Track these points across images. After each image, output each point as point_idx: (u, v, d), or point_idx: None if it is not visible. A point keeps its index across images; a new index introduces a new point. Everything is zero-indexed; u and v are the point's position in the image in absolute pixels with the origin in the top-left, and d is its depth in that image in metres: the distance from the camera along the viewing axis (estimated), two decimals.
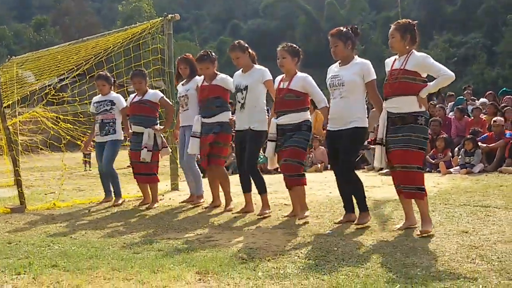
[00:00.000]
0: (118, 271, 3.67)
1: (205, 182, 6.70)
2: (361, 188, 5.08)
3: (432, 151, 9.55)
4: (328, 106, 5.32)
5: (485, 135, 9.53)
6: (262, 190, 5.80)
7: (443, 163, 9.03)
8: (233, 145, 6.67)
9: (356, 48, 5.09)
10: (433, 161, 9.35)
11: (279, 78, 5.53)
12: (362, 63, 4.99)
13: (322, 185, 7.73)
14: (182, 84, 6.74)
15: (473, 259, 3.65)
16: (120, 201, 7.09)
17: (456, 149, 9.47)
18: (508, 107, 10.42)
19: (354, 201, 5.13)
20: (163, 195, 7.66)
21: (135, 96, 6.96)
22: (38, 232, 5.42)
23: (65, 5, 57.12)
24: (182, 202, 6.90)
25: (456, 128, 10.41)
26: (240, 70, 5.91)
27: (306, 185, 5.43)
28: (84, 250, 4.39)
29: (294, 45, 5.47)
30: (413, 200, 4.71)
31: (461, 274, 3.33)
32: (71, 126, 7.91)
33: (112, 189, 7.27)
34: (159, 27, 8.49)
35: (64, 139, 7.81)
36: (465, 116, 10.65)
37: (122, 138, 7.26)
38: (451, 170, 8.88)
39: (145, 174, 6.84)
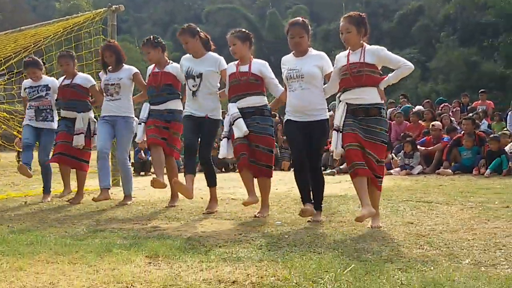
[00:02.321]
0: (61, 256, 3.48)
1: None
2: (324, 185, 4.99)
3: None
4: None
5: (423, 139, 9.86)
6: (213, 182, 5.57)
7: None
8: None
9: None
10: None
11: (233, 63, 5.33)
12: (320, 55, 4.92)
13: None
14: (109, 71, 6.30)
15: (421, 246, 3.70)
16: (49, 198, 6.71)
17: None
18: (445, 114, 10.85)
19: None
20: None
21: (64, 79, 6.63)
22: None
23: (0, 1, 54.79)
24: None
25: (396, 132, 10.73)
26: (189, 55, 5.63)
27: (270, 177, 5.28)
28: (23, 237, 4.14)
29: (244, 30, 5.36)
30: None
31: (411, 258, 3.36)
32: (7, 115, 7.51)
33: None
34: (102, 17, 8.26)
35: (0, 129, 7.41)
36: (405, 121, 11.00)
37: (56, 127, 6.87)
38: (391, 171, 9.12)
39: (75, 158, 6.53)
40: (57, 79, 6.95)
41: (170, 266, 3.19)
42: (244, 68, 5.20)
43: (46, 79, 6.91)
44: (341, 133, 4.52)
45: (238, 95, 5.19)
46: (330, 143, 8.30)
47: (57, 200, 6.71)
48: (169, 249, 3.59)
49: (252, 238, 4.05)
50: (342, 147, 4.52)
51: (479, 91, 14.18)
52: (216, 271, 3.03)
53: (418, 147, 9.39)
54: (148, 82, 6.07)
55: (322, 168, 8.52)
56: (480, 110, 12.13)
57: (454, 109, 13.17)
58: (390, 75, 4.50)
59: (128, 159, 6.39)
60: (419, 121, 10.81)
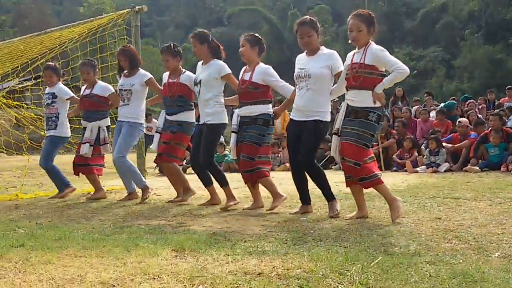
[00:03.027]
0: (89, 250, 3.52)
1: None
2: (324, 177, 5.00)
3: (399, 151, 9.69)
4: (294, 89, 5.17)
5: (450, 136, 9.73)
6: (223, 182, 5.64)
7: (409, 162, 9.16)
8: None
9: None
10: (400, 161, 9.49)
11: (243, 69, 5.44)
12: (330, 54, 4.89)
13: (291, 181, 7.68)
14: (125, 76, 6.40)
15: (449, 240, 3.65)
16: (62, 194, 6.82)
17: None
18: (472, 111, 10.70)
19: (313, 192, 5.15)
20: None
21: (85, 89, 6.73)
22: (2, 219, 5.17)
23: (25, 7, 55.88)
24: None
25: (421, 129, 10.61)
26: (201, 62, 5.79)
27: (265, 176, 5.34)
28: (51, 233, 4.19)
29: (256, 34, 5.39)
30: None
31: (440, 251, 3.32)
32: (34, 116, 7.64)
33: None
34: (126, 18, 8.35)
35: (28, 129, 7.54)
36: (430, 118, 10.87)
37: (67, 135, 6.94)
38: (418, 169, 9.02)
39: (86, 165, 6.64)
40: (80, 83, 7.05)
41: (196, 259, 3.20)
42: (246, 76, 5.31)
43: (56, 87, 6.90)
44: (339, 138, 4.58)
45: (242, 102, 5.37)
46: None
47: (84, 198, 6.79)
48: (195, 243, 3.60)
49: (277, 233, 4.04)
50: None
51: (506, 88, 13.93)
52: (242, 264, 3.03)
53: (445, 144, 9.27)
54: (163, 91, 6.15)
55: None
56: (507, 106, 11.91)
57: (480, 106, 12.99)
58: (385, 79, 4.44)
59: (125, 158, 6.26)
60: (445, 119, 10.67)
